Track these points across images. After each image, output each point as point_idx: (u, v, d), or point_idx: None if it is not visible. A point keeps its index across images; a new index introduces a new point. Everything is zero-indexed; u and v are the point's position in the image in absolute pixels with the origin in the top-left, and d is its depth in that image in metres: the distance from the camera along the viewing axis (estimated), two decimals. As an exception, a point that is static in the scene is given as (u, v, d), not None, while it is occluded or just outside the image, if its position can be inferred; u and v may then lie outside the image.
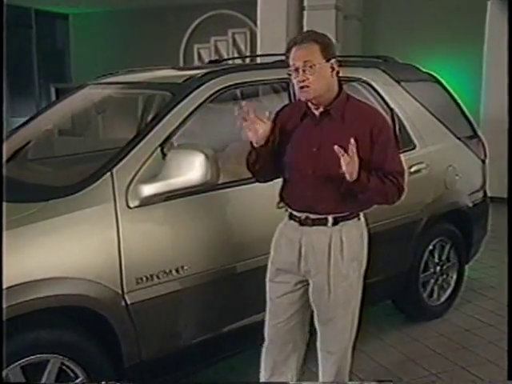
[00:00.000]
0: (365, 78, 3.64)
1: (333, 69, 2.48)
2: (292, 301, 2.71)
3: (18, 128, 3.64)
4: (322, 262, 2.56)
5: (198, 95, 2.87)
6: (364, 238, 2.65)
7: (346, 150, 2.33)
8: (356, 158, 2.34)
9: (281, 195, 2.65)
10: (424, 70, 4.29)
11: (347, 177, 2.37)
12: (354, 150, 2.33)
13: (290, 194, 2.61)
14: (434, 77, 4.30)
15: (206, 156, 2.52)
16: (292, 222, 2.61)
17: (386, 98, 3.69)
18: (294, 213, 2.60)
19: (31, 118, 3.68)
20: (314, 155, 2.50)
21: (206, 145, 2.59)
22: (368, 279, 3.50)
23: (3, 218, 2.24)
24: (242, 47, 10.30)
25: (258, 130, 2.45)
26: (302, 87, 2.44)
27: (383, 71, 3.82)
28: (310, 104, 2.53)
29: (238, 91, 3.70)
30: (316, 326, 2.75)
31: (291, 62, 2.46)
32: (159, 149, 2.66)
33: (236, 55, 10.18)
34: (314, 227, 2.56)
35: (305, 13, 7.47)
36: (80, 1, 10.50)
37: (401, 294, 3.94)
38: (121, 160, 2.59)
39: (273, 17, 7.45)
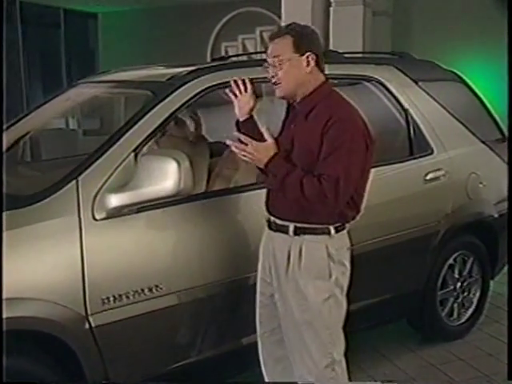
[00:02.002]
0: (376, 77, 3.32)
1: (308, 62, 2.30)
2: (272, 314, 2.51)
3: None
4: (281, 272, 2.37)
5: (180, 95, 2.61)
6: (333, 256, 2.32)
7: (301, 147, 2.30)
8: (249, 148, 2.22)
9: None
10: (445, 67, 3.93)
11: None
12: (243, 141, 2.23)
13: (266, 197, 2.46)
14: (458, 75, 3.94)
15: (179, 163, 2.26)
16: (267, 226, 2.46)
17: (400, 98, 3.36)
18: (268, 216, 2.45)
19: (20, 118, 3.46)
20: (287, 153, 2.33)
21: (179, 151, 2.32)
22: (379, 296, 3.26)
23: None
24: (270, 45, 10.02)
25: (244, 104, 2.43)
26: (274, 83, 2.33)
27: (398, 69, 3.48)
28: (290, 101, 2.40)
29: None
30: None
31: (267, 58, 2.36)
32: (133, 154, 2.40)
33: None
34: (277, 233, 2.38)
35: (331, 9, 7.17)
36: (108, -1, 10.42)
37: (416, 313, 3.60)
38: (88, 166, 2.35)
39: (297, 13, 7.13)
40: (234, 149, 2.25)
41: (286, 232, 2.34)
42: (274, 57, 2.28)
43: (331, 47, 6.69)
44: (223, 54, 10.35)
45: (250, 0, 9.81)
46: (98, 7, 11.25)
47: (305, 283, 2.32)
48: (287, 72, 2.28)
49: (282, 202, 2.32)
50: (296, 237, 2.32)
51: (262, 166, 2.27)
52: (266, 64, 2.34)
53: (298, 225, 2.32)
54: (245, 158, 2.26)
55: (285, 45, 2.28)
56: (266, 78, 2.56)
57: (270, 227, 2.42)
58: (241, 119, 2.47)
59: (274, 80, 2.31)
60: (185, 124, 3.50)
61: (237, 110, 2.47)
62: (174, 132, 3.49)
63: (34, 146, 5.68)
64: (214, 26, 10.42)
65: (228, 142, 2.26)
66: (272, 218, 2.40)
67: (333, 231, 2.33)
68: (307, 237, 2.32)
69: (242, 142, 2.23)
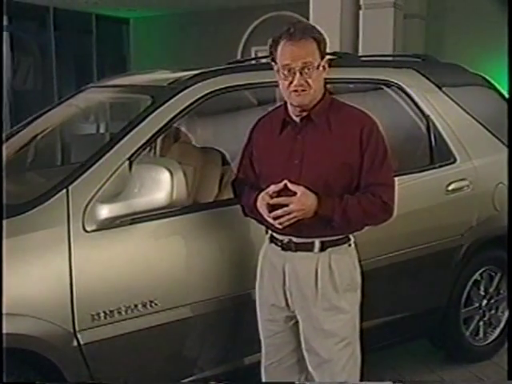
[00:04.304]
0: (395, 81, 3.13)
1: (325, 68, 2.14)
2: (285, 340, 2.36)
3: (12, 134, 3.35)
4: (309, 293, 2.20)
5: (180, 100, 2.47)
6: (356, 266, 2.26)
7: (331, 159, 2.14)
8: (301, 203, 2.07)
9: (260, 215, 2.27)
10: (472, 70, 3.71)
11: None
12: (298, 192, 2.07)
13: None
14: (486, 79, 3.72)
15: (171, 173, 2.12)
16: (273, 245, 2.27)
17: (421, 104, 3.16)
18: (276, 235, 2.25)
19: (27, 123, 3.37)
20: (295, 168, 2.15)
21: (172, 160, 2.19)
22: (397, 313, 3.07)
23: None
24: (301, 49, 9.87)
25: None
26: (295, 90, 2.09)
27: (420, 73, 3.28)
28: (290, 109, 2.19)
29: (250, 96, 3.34)
30: (310, 371, 2.34)
31: (284, 61, 2.09)
32: (127, 162, 2.28)
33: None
34: (298, 253, 2.20)
35: (360, 12, 6.99)
36: (140, 5, 10.42)
37: (438, 331, 3.38)
38: (80, 175, 2.23)
39: (326, 16, 6.99)
40: (283, 220, 2.09)
41: (311, 249, 2.19)
42: (305, 63, 2.06)
43: (360, 51, 6.54)
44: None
45: (281, 4, 9.70)
46: (129, 13, 11.30)
47: (338, 298, 2.21)
48: (316, 79, 2.09)
49: (303, 219, 2.12)
50: (322, 252, 2.19)
51: (311, 215, 2.09)
52: (284, 67, 2.08)
53: (324, 239, 2.18)
54: (296, 218, 2.09)
55: (313, 49, 2.09)
56: (275, 82, 2.42)
57: (283, 248, 2.24)
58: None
59: (300, 88, 2.07)
60: (195, 130, 3.39)
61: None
62: (185, 138, 3.38)
63: (65, 150, 5.65)
64: (244, 31, 10.34)
65: (273, 214, 2.10)
66: (286, 238, 2.22)
67: (352, 240, 2.25)
68: (332, 250, 2.20)
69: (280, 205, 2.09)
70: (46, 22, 10.54)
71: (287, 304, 2.27)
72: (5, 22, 9.80)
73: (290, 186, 2.08)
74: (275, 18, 10.01)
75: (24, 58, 10.61)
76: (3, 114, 9.59)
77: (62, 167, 3.79)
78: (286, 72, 2.09)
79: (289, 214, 2.07)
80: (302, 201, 2.07)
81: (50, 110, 3.33)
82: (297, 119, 2.20)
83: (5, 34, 9.83)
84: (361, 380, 2.36)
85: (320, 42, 2.11)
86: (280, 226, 2.11)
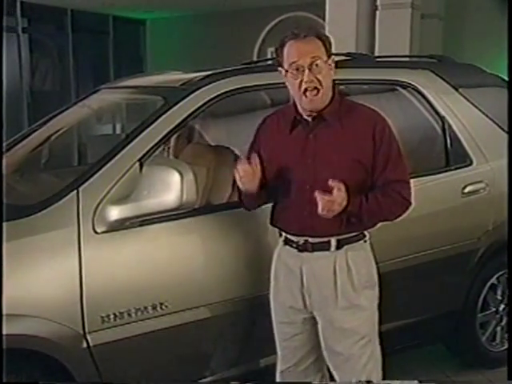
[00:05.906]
0: (410, 82, 3.08)
1: (332, 68, 2.13)
2: (302, 343, 2.34)
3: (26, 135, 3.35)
4: (328, 293, 2.19)
5: (192, 100, 2.46)
6: (372, 262, 2.25)
7: (344, 157, 2.13)
8: (340, 197, 2.03)
9: (272, 217, 2.29)
10: (489, 71, 3.65)
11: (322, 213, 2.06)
12: (342, 189, 2.03)
13: (283, 216, 2.24)
14: (504, 80, 3.65)
15: (181, 175, 2.11)
16: (288, 247, 2.24)
17: (437, 105, 3.11)
18: (290, 237, 2.23)
19: (39, 125, 3.38)
20: (308, 168, 2.14)
21: (182, 162, 2.18)
22: (411, 318, 3.03)
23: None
24: (317, 51, 9.82)
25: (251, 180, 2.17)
26: (306, 90, 2.07)
27: (436, 74, 3.24)
28: (301, 109, 2.16)
29: (265, 96, 3.31)
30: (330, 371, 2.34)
31: (291, 59, 2.08)
32: (138, 164, 2.27)
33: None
34: (315, 253, 2.18)
35: (377, 12, 6.94)
36: (157, 6, 10.45)
37: (453, 336, 3.33)
38: (91, 176, 2.23)
39: (341, 17, 6.96)
40: (327, 214, 2.05)
41: (327, 248, 2.18)
42: (313, 57, 2.06)
43: (377, 52, 6.49)
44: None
45: (298, 4, 9.67)
46: (146, 14, 11.34)
47: (356, 296, 2.20)
48: (326, 76, 2.09)
49: (319, 219, 2.10)
50: (338, 250, 2.18)
51: (340, 210, 2.06)
52: (292, 66, 2.07)
53: (340, 237, 2.18)
54: (335, 212, 2.06)
55: (319, 46, 2.10)
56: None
57: (299, 249, 2.22)
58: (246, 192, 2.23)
59: (310, 85, 2.06)
60: (209, 131, 3.37)
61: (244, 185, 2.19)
62: (199, 139, 3.37)
63: (82, 151, 5.69)
64: (261, 32, 10.33)
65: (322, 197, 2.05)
66: (302, 239, 2.21)
67: (368, 236, 2.25)
68: (348, 247, 2.19)
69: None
70: (64, 23, 10.62)
71: (305, 305, 2.26)
72: (24, 24, 9.92)
73: (331, 183, 2.03)
74: (291, 18, 9.99)
75: (42, 59, 10.71)
76: (23, 114, 9.71)
77: (76, 167, 3.80)
78: (294, 71, 2.08)
79: (332, 206, 2.03)
80: (343, 196, 2.05)
81: (63, 111, 3.33)
82: (308, 118, 2.18)
83: (24, 36, 9.95)
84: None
85: (324, 41, 2.12)
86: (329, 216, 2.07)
